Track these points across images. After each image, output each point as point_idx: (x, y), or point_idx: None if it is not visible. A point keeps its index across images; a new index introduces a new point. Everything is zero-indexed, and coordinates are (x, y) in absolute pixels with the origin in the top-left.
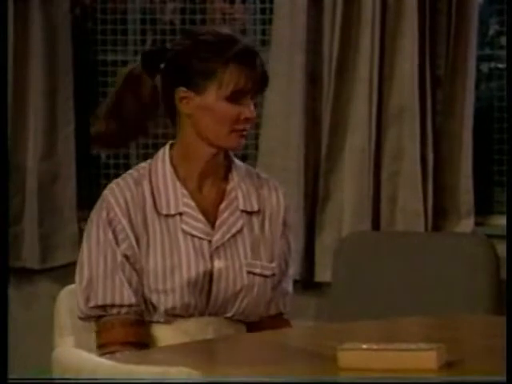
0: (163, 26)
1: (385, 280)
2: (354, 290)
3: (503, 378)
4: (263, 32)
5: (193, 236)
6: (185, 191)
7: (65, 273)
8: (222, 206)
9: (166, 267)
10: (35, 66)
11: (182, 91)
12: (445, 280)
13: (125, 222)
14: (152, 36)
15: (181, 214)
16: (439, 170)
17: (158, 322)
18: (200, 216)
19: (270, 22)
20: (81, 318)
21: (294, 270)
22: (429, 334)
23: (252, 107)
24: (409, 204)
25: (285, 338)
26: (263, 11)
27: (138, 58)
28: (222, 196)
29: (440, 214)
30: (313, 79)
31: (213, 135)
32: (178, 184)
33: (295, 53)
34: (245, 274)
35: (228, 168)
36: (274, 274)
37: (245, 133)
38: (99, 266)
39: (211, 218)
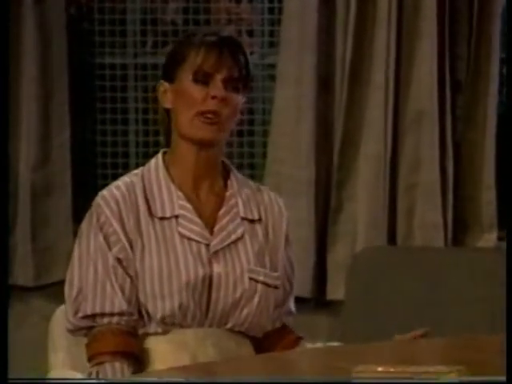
0: (165, 27)
1: (401, 298)
2: (368, 308)
3: (503, 378)
4: (271, 33)
5: (190, 239)
6: (180, 194)
7: (60, 291)
8: (221, 211)
9: (163, 271)
10: (28, 68)
11: (161, 85)
12: (465, 298)
13: (116, 225)
14: (153, 38)
15: (177, 216)
16: (460, 181)
17: (154, 334)
18: (197, 219)
19: (279, 22)
20: (70, 331)
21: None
22: (448, 356)
23: (221, 87)
24: (427, 217)
25: (295, 359)
26: (271, 11)
27: (138, 60)
28: (220, 202)
29: (461, 228)
30: (324, 83)
31: (183, 123)
32: (173, 187)
33: (305, 55)
34: (246, 280)
35: (226, 176)
36: (276, 287)
37: (214, 119)
38: (89, 275)
39: (209, 223)
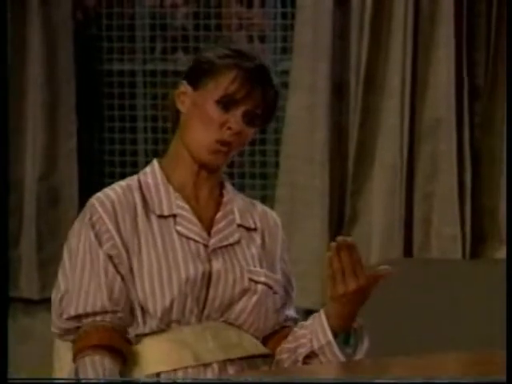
0: (174, 33)
1: (418, 312)
2: (383, 322)
3: (503, 378)
4: (284, 38)
5: (188, 238)
6: (178, 195)
7: None
8: (218, 215)
9: (162, 268)
10: (34, 75)
11: (182, 85)
12: (484, 312)
13: (110, 223)
14: (162, 43)
15: (175, 215)
16: (478, 191)
17: (151, 334)
18: (195, 220)
19: (292, 27)
20: (58, 336)
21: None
22: (466, 372)
23: (239, 120)
24: (444, 228)
25: (311, 375)
26: (284, 16)
27: (147, 67)
28: (217, 207)
29: (479, 239)
30: (339, 90)
31: (193, 141)
32: (171, 188)
33: (319, 61)
34: (246, 280)
35: (221, 185)
36: (276, 292)
37: (224, 149)
38: (75, 276)
39: (207, 225)
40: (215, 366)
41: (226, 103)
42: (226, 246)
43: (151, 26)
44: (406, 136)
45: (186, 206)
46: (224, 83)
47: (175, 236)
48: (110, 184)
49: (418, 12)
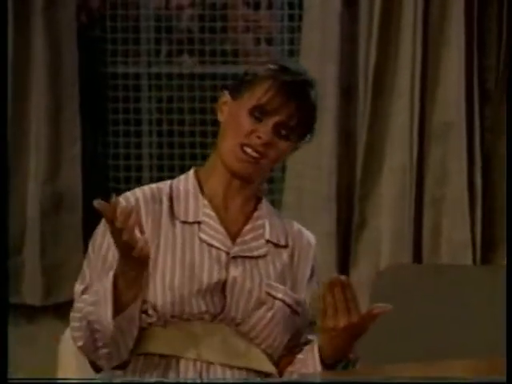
0: (180, 35)
1: (427, 318)
2: (392, 329)
3: (503, 378)
4: (291, 41)
5: (210, 245)
6: (206, 203)
7: (70, 311)
8: (247, 227)
9: (175, 272)
10: (37, 78)
11: (224, 95)
12: (495, 318)
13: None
14: (167, 46)
15: (199, 222)
16: (489, 195)
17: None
18: (220, 228)
19: (299, 29)
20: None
21: None
22: (479, 379)
23: (269, 131)
24: (455, 233)
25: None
26: (291, 18)
27: (152, 70)
28: (247, 220)
29: (490, 245)
30: (347, 93)
31: (224, 148)
32: (201, 197)
33: (327, 63)
34: (263, 293)
35: (258, 200)
36: (297, 312)
37: (253, 155)
38: (96, 270)
39: (233, 236)
40: (218, 368)
41: (258, 113)
42: (249, 258)
43: (156, 29)
44: (415, 140)
45: (213, 215)
46: (258, 94)
47: (197, 242)
48: (114, 189)
49: (427, 14)
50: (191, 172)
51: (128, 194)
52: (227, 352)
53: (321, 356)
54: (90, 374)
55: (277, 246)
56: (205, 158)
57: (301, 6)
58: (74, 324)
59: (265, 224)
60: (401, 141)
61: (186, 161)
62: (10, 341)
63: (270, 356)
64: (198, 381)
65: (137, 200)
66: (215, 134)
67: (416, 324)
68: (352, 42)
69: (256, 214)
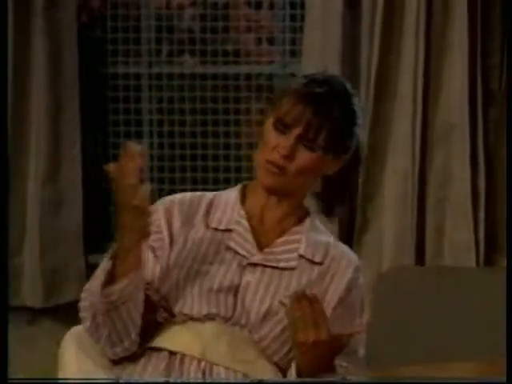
0: (181, 35)
1: (430, 320)
2: (394, 331)
3: (503, 378)
4: (293, 41)
5: (236, 253)
6: (242, 212)
7: (70, 312)
8: (280, 240)
9: (193, 270)
10: (37, 79)
11: (268, 110)
12: (498, 321)
13: (162, 217)
14: (168, 46)
15: (230, 230)
16: (492, 197)
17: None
18: (250, 238)
19: (301, 29)
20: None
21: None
22: (479, 380)
23: (290, 144)
24: (458, 235)
25: None
26: (293, 18)
27: (153, 70)
28: (283, 233)
29: (493, 247)
30: None
31: (257, 163)
32: (239, 207)
33: (328, 64)
34: (276, 302)
35: (303, 218)
36: None
37: (275, 171)
38: None
39: (262, 246)
40: (222, 370)
41: (281, 126)
42: (273, 267)
43: (157, 28)
44: (418, 142)
45: (246, 225)
46: (279, 107)
47: (223, 248)
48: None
49: (430, 15)
50: (239, 185)
51: (167, 197)
52: (232, 356)
53: (298, 371)
54: (90, 376)
55: (311, 261)
56: (205, 158)
57: (303, 6)
58: (83, 304)
59: (301, 239)
60: (403, 143)
61: (187, 162)
62: (10, 343)
63: (282, 371)
64: (199, 381)
65: (173, 201)
66: (216, 135)
67: (418, 326)
68: (354, 43)
69: (295, 229)
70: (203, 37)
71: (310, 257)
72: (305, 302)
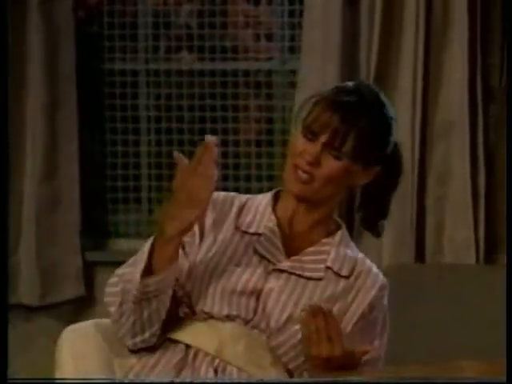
0: (178, 31)
1: (430, 318)
2: (394, 329)
3: (503, 378)
4: (292, 37)
5: (262, 257)
6: (273, 218)
7: (67, 310)
8: (309, 249)
9: (217, 270)
10: (34, 75)
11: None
12: (498, 319)
13: None
14: (166, 42)
15: (259, 234)
16: (492, 195)
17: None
18: (279, 243)
19: (300, 26)
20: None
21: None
22: (479, 379)
23: (316, 151)
24: (458, 233)
25: None
26: (292, 14)
27: (150, 66)
28: (312, 243)
29: (493, 245)
30: None
31: (285, 170)
32: (270, 212)
33: (328, 61)
34: (298, 310)
35: (333, 231)
36: None
37: (302, 176)
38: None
39: (290, 253)
40: (235, 370)
41: (309, 134)
42: (298, 276)
43: (154, 25)
44: (417, 138)
45: (276, 230)
46: (309, 114)
47: (250, 252)
48: (111, 187)
49: (430, 11)
50: (273, 191)
51: None
52: (248, 358)
53: None
54: (87, 374)
55: (337, 274)
56: None
57: (301, 2)
58: (113, 289)
59: (330, 251)
60: (403, 140)
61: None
62: None
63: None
64: (202, 381)
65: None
66: (214, 132)
67: (418, 324)
68: (353, 41)
69: (324, 241)
70: (201, 33)
71: (336, 269)
72: (320, 316)
